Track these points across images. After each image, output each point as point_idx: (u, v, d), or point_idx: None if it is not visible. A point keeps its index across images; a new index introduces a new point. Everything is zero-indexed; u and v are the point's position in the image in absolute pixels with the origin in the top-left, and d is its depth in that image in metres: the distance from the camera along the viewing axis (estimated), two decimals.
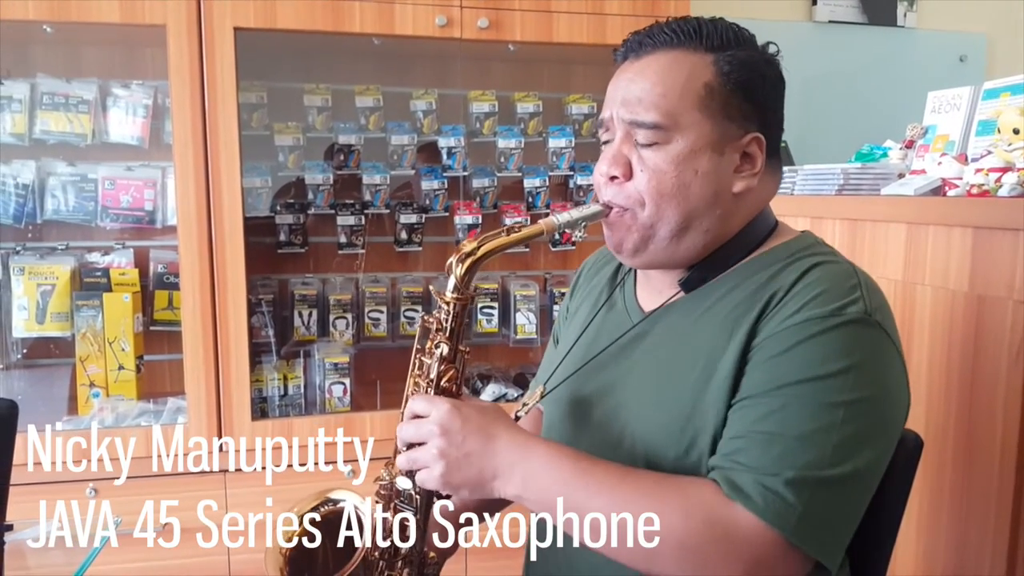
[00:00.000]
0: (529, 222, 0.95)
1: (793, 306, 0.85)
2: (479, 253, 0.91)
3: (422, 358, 0.96)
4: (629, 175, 0.92)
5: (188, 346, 1.89)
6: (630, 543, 0.81)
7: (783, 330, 0.84)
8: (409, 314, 2.28)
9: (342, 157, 2.18)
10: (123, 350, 2.00)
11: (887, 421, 0.86)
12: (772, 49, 0.95)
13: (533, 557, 1.11)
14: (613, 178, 0.93)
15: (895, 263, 1.48)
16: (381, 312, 2.26)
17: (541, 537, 1.07)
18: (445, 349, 0.94)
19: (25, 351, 2.06)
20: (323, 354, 2.13)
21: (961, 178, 1.44)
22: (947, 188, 1.46)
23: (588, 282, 1.17)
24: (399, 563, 0.99)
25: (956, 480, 1.32)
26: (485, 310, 2.31)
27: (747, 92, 0.91)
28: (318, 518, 1.03)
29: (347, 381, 2.12)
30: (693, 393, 0.88)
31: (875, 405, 0.83)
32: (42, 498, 1.81)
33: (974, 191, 1.36)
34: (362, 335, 2.25)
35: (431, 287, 0.99)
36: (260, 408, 2.06)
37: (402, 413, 0.96)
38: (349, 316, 2.22)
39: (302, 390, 2.13)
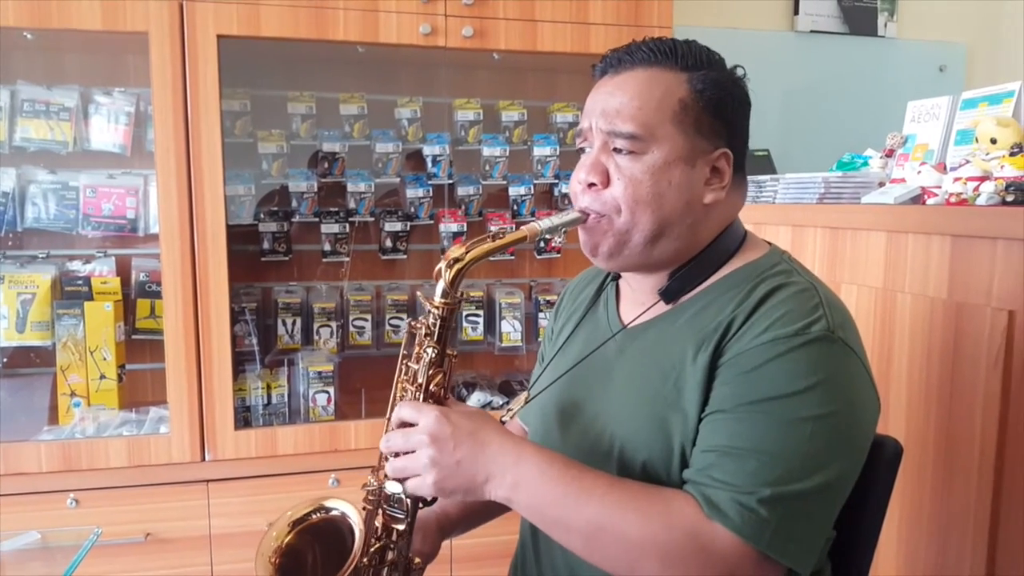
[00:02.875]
0: (514, 229, 0.97)
1: (760, 326, 0.89)
2: (467, 259, 0.94)
3: (409, 363, 0.99)
4: (606, 183, 0.97)
5: (170, 355, 1.87)
6: (614, 550, 0.85)
7: (751, 349, 0.88)
8: (394, 322, 2.28)
9: (326, 165, 2.17)
10: (105, 359, 1.99)
11: (855, 433, 0.89)
12: (739, 72, 1.01)
13: (520, 558, 1.14)
14: (591, 185, 0.98)
15: (875, 271, 1.49)
16: (366, 320, 2.25)
17: (529, 540, 1.10)
18: (433, 353, 0.96)
19: (5, 360, 2.04)
20: (307, 363, 2.12)
21: (940, 187, 1.45)
22: (926, 197, 1.48)
23: (572, 302, 1.21)
24: (385, 569, 1.00)
25: (936, 484, 1.33)
26: (470, 318, 2.31)
27: (717, 110, 0.97)
28: (308, 524, 1.03)
29: (331, 390, 2.11)
30: (666, 403, 0.93)
31: (842, 419, 0.86)
32: (23, 509, 1.81)
33: (953, 200, 1.38)
34: (346, 343, 2.24)
35: (419, 293, 1.01)
36: (243, 417, 2.05)
37: (388, 419, 0.98)
38: (333, 324, 2.21)
39: (286, 399, 2.12)
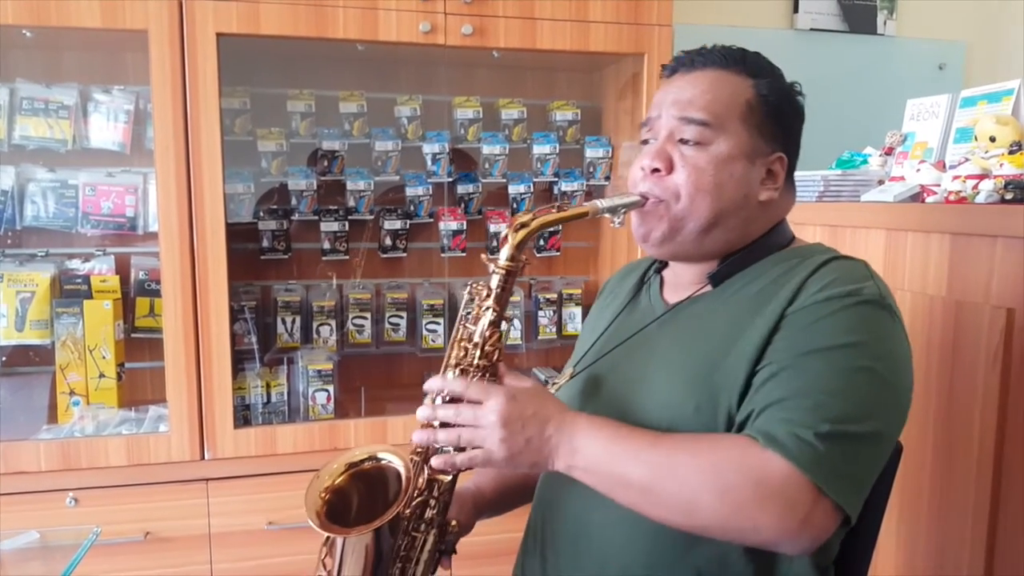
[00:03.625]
0: (511, 236, 1.00)
1: (815, 287, 0.93)
2: (533, 225, 0.99)
3: (467, 324, 1.04)
4: (670, 169, 1.01)
5: (170, 353, 1.87)
6: (672, 495, 0.87)
7: (807, 306, 0.92)
8: (393, 320, 2.28)
9: (326, 163, 2.17)
10: (104, 358, 1.99)
11: (900, 394, 0.93)
12: (797, 87, 1.08)
13: (525, 553, 1.15)
14: (655, 171, 1.02)
15: (875, 268, 1.49)
16: (365, 318, 2.25)
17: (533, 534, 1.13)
18: (492, 315, 1.01)
19: (4, 359, 2.04)
20: (306, 361, 2.12)
21: (939, 185, 1.45)
22: (925, 195, 1.48)
23: (613, 290, 1.25)
24: (423, 526, 1.04)
25: (935, 483, 1.33)
26: None
27: (778, 116, 1.03)
28: (360, 470, 1.06)
29: (331, 388, 2.11)
30: (713, 355, 0.96)
31: (893, 375, 0.91)
32: (22, 508, 1.81)
33: (952, 198, 1.38)
34: (346, 342, 2.24)
35: (483, 256, 1.04)
36: (243, 416, 2.05)
37: (443, 374, 1.02)
38: (333, 323, 2.21)
39: (285, 397, 2.12)
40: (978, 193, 1.32)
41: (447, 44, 1.98)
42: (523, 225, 0.99)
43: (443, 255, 2.27)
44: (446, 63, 2.22)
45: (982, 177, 1.34)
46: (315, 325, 2.20)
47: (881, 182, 1.67)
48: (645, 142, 1.07)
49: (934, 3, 2.83)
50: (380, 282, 2.34)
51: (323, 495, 1.01)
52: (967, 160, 1.41)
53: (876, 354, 0.89)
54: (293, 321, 2.19)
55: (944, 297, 1.32)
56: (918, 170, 1.53)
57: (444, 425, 0.96)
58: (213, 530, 1.95)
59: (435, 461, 0.97)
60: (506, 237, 1.00)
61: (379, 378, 2.38)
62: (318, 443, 2.00)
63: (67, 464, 1.85)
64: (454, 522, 1.08)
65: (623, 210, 1.03)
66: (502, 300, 1.01)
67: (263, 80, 2.18)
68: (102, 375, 1.99)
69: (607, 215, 1.03)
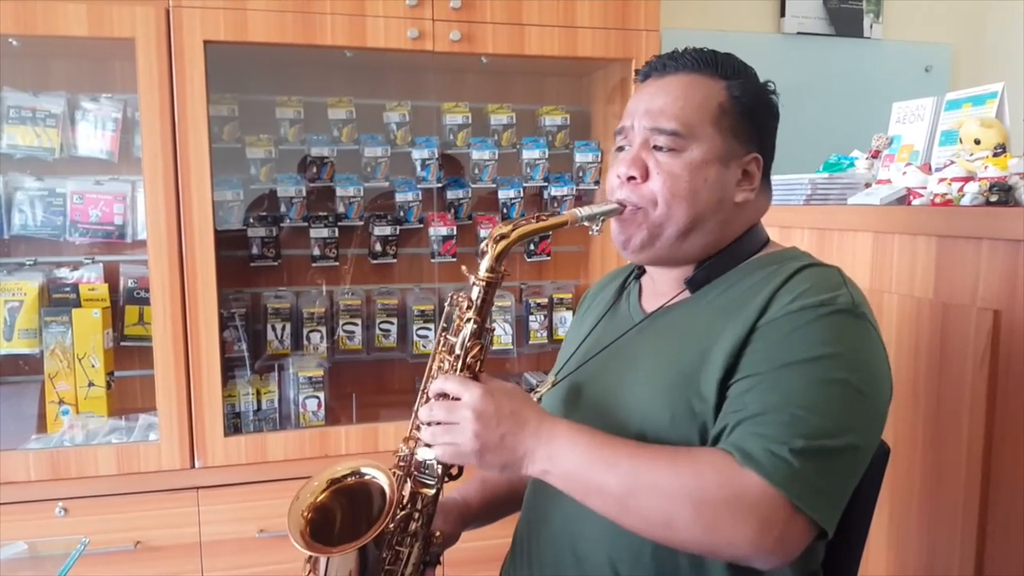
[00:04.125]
0: (491, 248, 1.01)
1: (787, 297, 0.93)
2: (512, 236, 1.00)
3: (448, 336, 1.04)
4: (645, 177, 1.02)
5: (159, 362, 1.87)
6: (649, 506, 0.87)
7: (780, 317, 0.92)
8: (384, 326, 2.28)
9: (315, 169, 2.17)
10: (93, 366, 1.98)
11: (877, 405, 0.92)
12: (771, 86, 1.08)
13: (513, 555, 1.15)
14: (630, 179, 1.03)
15: (862, 271, 1.50)
16: (356, 325, 2.25)
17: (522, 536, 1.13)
18: (474, 326, 1.01)
19: None
20: (297, 368, 2.11)
21: (925, 187, 1.46)
22: (912, 197, 1.49)
23: (594, 298, 1.26)
24: (408, 539, 1.04)
25: (924, 484, 1.34)
26: None
27: (752, 117, 1.04)
28: (343, 486, 1.07)
29: (322, 395, 2.11)
30: (688, 364, 0.96)
31: (865, 387, 0.90)
32: (11, 518, 1.80)
33: (938, 200, 1.39)
34: (337, 348, 2.24)
35: (463, 267, 1.04)
36: (233, 423, 2.04)
37: (424, 388, 1.03)
38: (323, 329, 2.20)
39: (276, 405, 2.11)
40: (963, 195, 1.33)
41: (435, 50, 1.99)
42: (503, 236, 1.00)
43: (433, 261, 2.27)
44: (435, 69, 2.22)
45: (967, 180, 1.35)
46: (305, 332, 2.20)
47: (868, 185, 1.68)
48: (620, 149, 1.08)
49: (920, 6, 2.85)
50: (370, 288, 2.33)
51: (306, 513, 1.01)
52: (952, 163, 1.42)
53: (851, 365, 0.89)
54: (283, 328, 2.19)
55: (931, 299, 1.33)
56: (904, 173, 1.54)
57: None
58: (204, 538, 1.94)
59: (421, 452, 0.99)
60: (486, 248, 1.00)
61: (370, 384, 2.37)
62: (309, 450, 1.99)
63: (56, 473, 1.84)
64: (438, 533, 1.08)
65: (602, 218, 1.04)
66: (483, 311, 1.02)
67: (251, 87, 2.18)
68: (91, 384, 1.98)
69: (586, 223, 1.04)
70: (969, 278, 1.24)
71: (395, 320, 2.28)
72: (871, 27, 2.80)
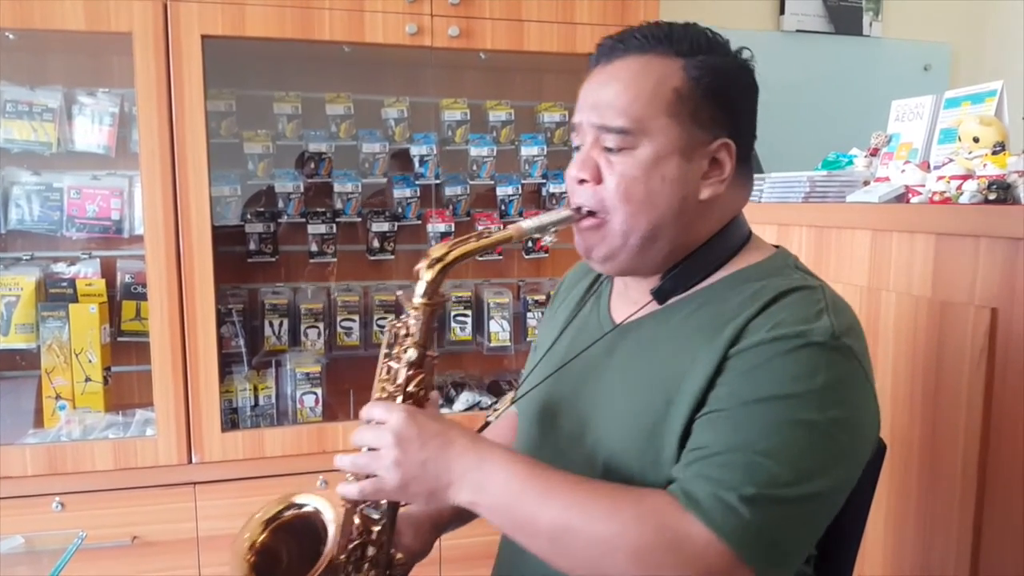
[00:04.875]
0: (426, 273, 0.93)
1: (761, 328, 0.85)
2: (448, 258, 0.92)
3: (390, 363, 0.96)
4: (598, 179, 0.93)
5: (156, 357, 1.86)
6: (581, 549, 0.80)
7: (751, 348, 0.84)
8: (382, 323, 2.27)
9: (313, 165, 2.17)
10: (90, 361, 1.97)
11: (853, 444, 0.84)
12: (746, 55, 0.96)
13: (502, 557, 1.11)
14: (582, 181, 0.94)
15: (860, 269, 1.50)
16: (353, 321, 2.25)
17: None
18: (413, 354, 0.94)
19: None
20: (294, 364, 2.11)
21: (924, 185, 1.46)
22: (910, 195, 1.49)
23: (568, 292, 1.19)
24: (365, 565, 0.97)
25: (921, 482, 1.34)
26: (459, 318, 2.31)
27: (717, 98, 0.92)
28: (282, 522, 1.01)
29: (319, 391, 2.10)
30: (656, 410, 0.89)
31: (841, 427, 0.82)
32: (7, 513, 1.80)
33: (936, 198, 1.39)
34: (334, 344, 2.23)
35: (399, 293, 1.00)
36: (230, 419, 2.04)
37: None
38: (320, 325, 2.20)
39: (273, 400, 2.11)
40: (962, 193, 1.33)
41: (434, 46, 1.98)
42: (438, 260, 0.91)
43: None
44: (433, 65, 2.22)
45: (966, 178, 1.35)
46: (303, 327, 2.19)
47: (866, 183, 1.67)
48: (577, 147, 0.99)
49: (919, 5, 2.85)
50: (368, 284, 2.33)
51: (248, 558, 0.95)
52: (951, 161, 1.42)
53: (822, 404, 0.81)
54: (280, 324, 2.18)
55: (929, 297, 1.32)
56: (903, 171, 1.53)
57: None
58: (201, 534, 1.94)
59: (339, 489, 0.91)
60: (419, 273, 0.92)
61: (367, 380, 2.33)
62: (306, 446, 1.99)
63: (53, 468, 1.84)
64: (400, 555, 1.02)
65: (553, 228, 0.97)
66: (424, 338, 0.94)
67: (249, 82, 2.17)
68: (88, 379, 1.98)
69: (536, 236, 0.98)
70: (967, 276, 1.24)
71: (392, 316, 2.28)
72: (870, 25, 2.80)
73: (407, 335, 0.95)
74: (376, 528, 0.96)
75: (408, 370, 0.94)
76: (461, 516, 1.13)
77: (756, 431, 0.80)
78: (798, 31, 2.73)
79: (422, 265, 0.92)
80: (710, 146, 0.92)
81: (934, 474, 1.31)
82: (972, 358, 1.22)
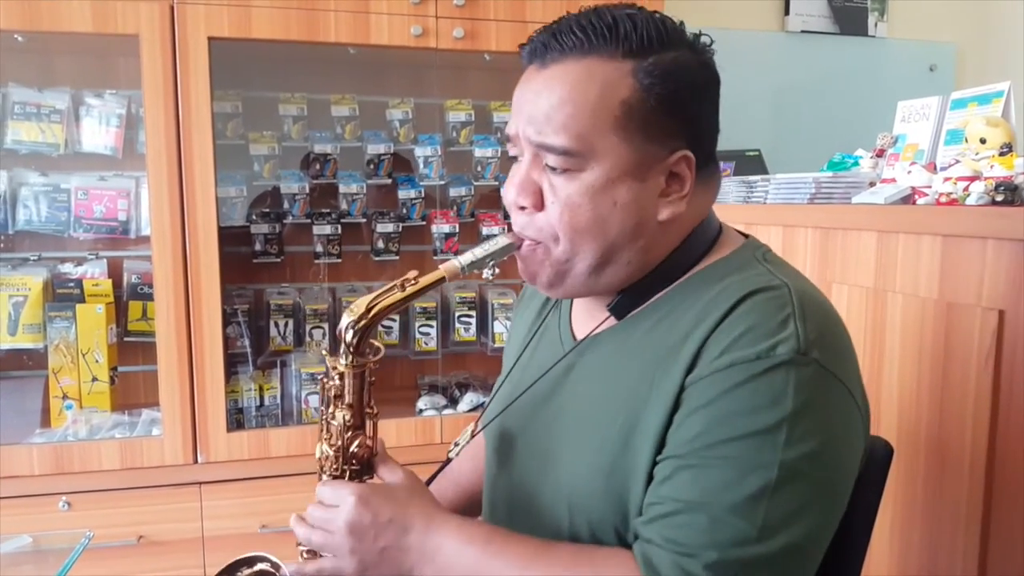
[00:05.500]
0: (505, 231, 0.87)
1: (717, 348, 0.75)
2: (371, 315, 0.84)
3: (328, 422, 0.90)
4: (540, 205, 0.83)
5: (163, 357, 1.87)
6: None
7: (706, 377, 0.75)
8: (386, 323, 2.28)
9: (318, 166, 2.17)
10: (97, 361, 1.98)
11: (832, 477, 0.76)
12: (704, 41, 0.84)
13: None
14: (522, 208, 0.85)
15: (866, 271, 1.49)
16: None
17: None
18: (347, 416, 0.88)
19: None
20: (299, 364, 2.12)
21: (930, 187, 1.46)
22: (917, 197, 1.48)
23: (528, 304, 1.11)
24: None
25: (928, 485, 1.34)
26: (463, 319, 2.31)
27: (673, 106, 0.80)
28: None
29: None
30: (614, 448, 0.81)
31: (815, 461, 0.73)
32: (14, 512, 1.80)
33: (943, 200, 1.38)
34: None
35: (323, 351, 0.93)
36: (236, 419, 2.05)
37: (319, 474, 0.92)
38: (326, 326, 2.21)
39: (278, 401, 2.12)
40: (969, 195, 1.33)
41: (439, 47, 1.99)
42: (358, 321, 0.83)
43: (436, 258, 2.27)
44: (438, 66, 2.22)
45: (973, 179, 1.35)
46: (308, 328, 2.20)
47: (872, 184, 1.67)
48: (514, 157, 0.87)
49: (925, 5, 2.85)
50: (372, 285, 2.33)
51: None
52: (957, 162, 1.42)
53: (790, 438, 0.71)
54: (286, 324, 2.19)
55: (935, 299, 1.32)
56: (909, 172, 1.53)
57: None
58: (206, 533, 1.95)
59: (287, 569, 0.88)
60: (340, 334, 0.85)
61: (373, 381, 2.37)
62: (311, 446, 1.96)
63: (60, 468, 1.85)
64: None
65: (492, 261, 0.88)
66: (360, 398, 0.88)
67: (255, 84, 2.18)
68: (95, 379, 1.99)
69: (474, 271, 0.88)
70: (974, 278, 1.24)
71: (397, 317, 2.29)
72: (876, 26, 2.80)
73: (336, 396, 0.89)
74: None
75: (346, 433, 0.88)
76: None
77: (718, 481, 0.72)
78: (803, 32, 2.73)
79: (342, 326, 0.85)
80: (667, 160, 0.81)
81: (941, 477, 1.31)
82: (979, 360, 1.22)
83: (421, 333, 2.28)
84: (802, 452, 0.72)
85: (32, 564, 1.37)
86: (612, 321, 0.89)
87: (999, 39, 2.85)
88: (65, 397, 1.98)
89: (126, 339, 2.08)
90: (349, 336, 0.84)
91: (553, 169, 0.81)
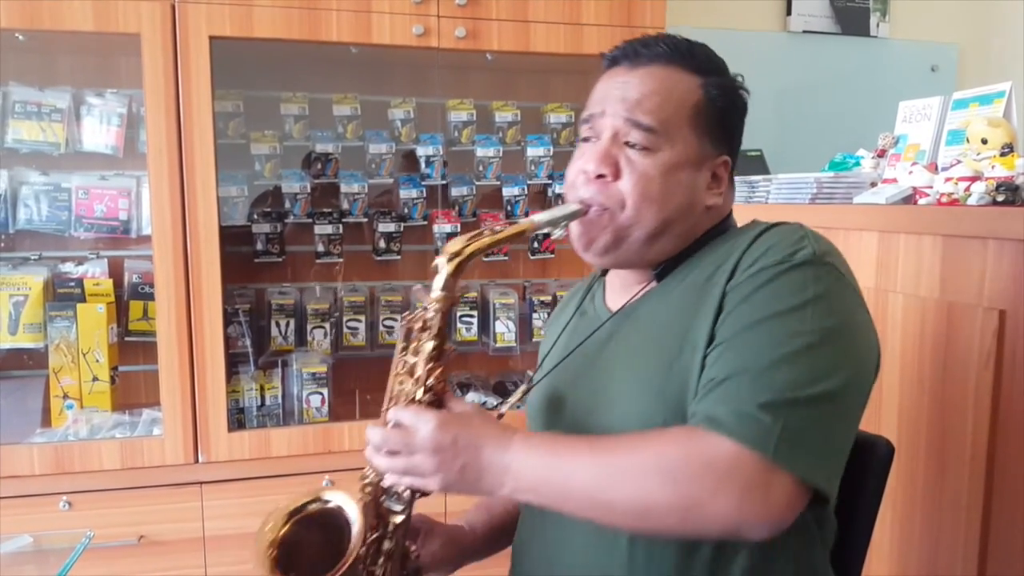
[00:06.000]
0: (443, 267, 0.95)
1: (748, 261, 0.90)
2: (466, 252, 0.94)
3: (406, 358, 0.97)
4: (617, 175, 0.96)
5: (163, 357, 1.87)
6: (620, 501, 0.82)
7: (741, 282, 0.89)
8: (388, 323, 2.28)
9: (319, 166, 2.17)
10: (97, 361, 1.98)
11: (856, 347, 0.88)
12: (740, 79, 1.03)
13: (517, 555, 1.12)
14: (599, 176, 0.96)
15: (867, 271, 1.49)
16: (360, 321, 2.25)
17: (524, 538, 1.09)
18: (432, 346, 0.95)
19: None
20: (301, 364, 2.12)
21: (931, 187, 1.46)
22: (918, 197, 1.48)
23: (563, 309, 1.21)
24: (381, 559, 1.00)
25: (928, 484, 1.34)
26: (464, 318, 2.31)
27: (725, 117, 1.00)
28: (304, 515, 1.02)
29: (325, 391, 2.11)
30: (667, 358, 0.91)
31: (839, 333, 0.85)
32: (15, 512, 1.80)
33: (944, 200, 1.39)
34: (340, 344, 2.24)
35: (414, 289, 1.00)
36: (237, 419, 2.05)
37: (384, 413, 0.97)
38: (327, 325, 2.21)
39: (280, 400, 2.11)
40: (970, 195, 1.33)
41: (440, 47, 1.99)
42: (455, 254, 0.93)
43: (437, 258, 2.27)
44: (440, 66, 2.22)
45: (974, 179, 1.35)
46: (309, 328, 2.20)
47: (874, 184, 1.67)
48: (586, 139, 1.01)
49: (927, 5, 2.85)
50: (374, 284, 2.33)
51: (270, 551, 0.97)
52: (959, 162, 1.42)
53: (816, 314, 0.84)
54: (287, 324, 2.19)
55: (937, 299, 1.32)
56: (910, 172, 1.53)
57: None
58: (207, 533, 1.95)
59: (385, 481, 0.95)
60: (437, 268, 0.94)
61: (374, 380, 2.37)
62: (312, 446, 1.99)
63: (61, 468, 1.85)
64: (413, 546, 1.05)
65: (564, 222, 0.98)
66: (441, 333, 0.95)
67: (256, 83, 2.18)
68: (96, 379, 1.99)
69: (547, 229, 0.98)
70: (975, 278, 1.24)
71: (399, 316, 2.28)
72: (878, 26, 2.80)
73: (424, 329, 0.96)
74: (395, 521, 0.99)
75: (428, 363, 0.95)
76: (494, 542, 1.18)
77: (761, 348, 0.84)
78: (805, 32, 2.73)
79: (440, 259, 0.94)
80: (715, 160, 1.00)
81: (941, 476, 1.30)
82: (980, 360, 1.22)
83: None
84: (826, 326, 0.84)
85: (33, 564, 1.37)
86: (648, 289, 1.02)
87: (1001, 40, 2.85)
88: (66, 397, 1.98)
89: (127, 339, 2.08)
90: (447, 268, 0.93)
91: (632, 146, 0.96)
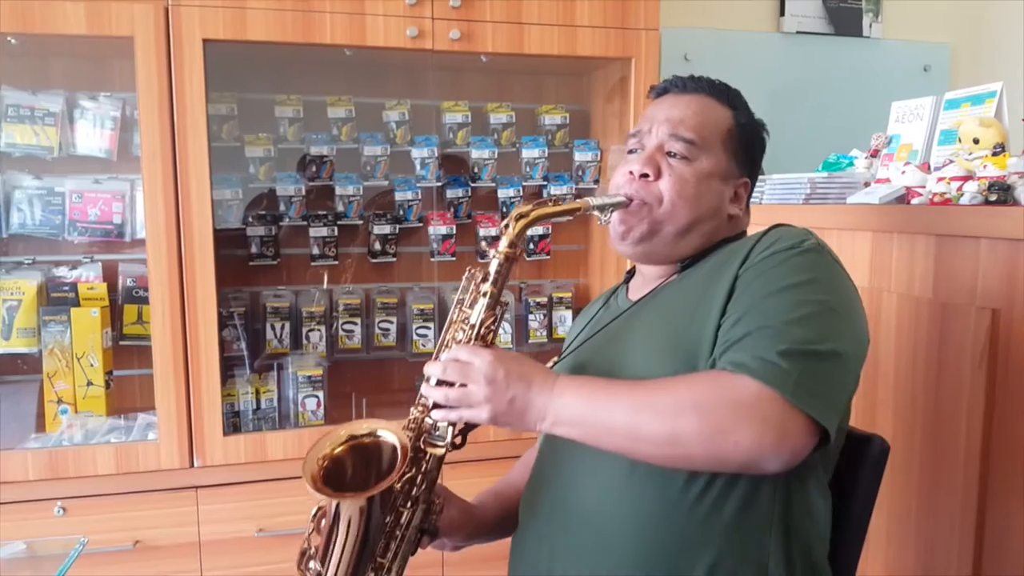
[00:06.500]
0: (512, 225, 1.07)
1: (760, 248, 1.03)
2: (531, 216, 1.06)
3: (463, 308, 1.09)
4: (658, 176, 1.12)
5: (158, 361, 1.86)
6: (654, 432, 0.92)
7: (757, 262, 1.01)
8: (384, 325, 2.28)
9: (314, 168, 2.17)
10: (92, 366, 1.98)
11: (853, 321, 0.99)
12: (762, 123, 1.20)
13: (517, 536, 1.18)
14: (644, 176, 1.12)
15: (861, 270, 1.50)
16: (355, 324, 2.25)
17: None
18: (489, 299, 1.06)
19: None
20: (296, 367, 2.11)
21: (924, 187, 1.46)
22: (911, 197, 1.49)
23: (590, 307, 1.33)
24: (410, 503, 1.08)
25: (923, 483, 1.34)
26: None
27: (748, 146, 1.17)
28: (359, 442, 1.09)
29: (321, 394, 2.10)
30: (683, 322, 1.02)
31: (841, 308, 0.98)
32: (9, 518, 1.80)
33: (937, 199, 1.39)
34: (336, 347, 2.24)
35: (483, 243, 1.07)
36: (232, 423, 2.04)
37: (435, 355, 1.08)
38: (322, 328, 2.20)
39: (275, 404, 2.11)
40: (962, 195, 1.33)
41: (435, 49, 1.99)
42: (523, 215, 1.06)
43: (433, 259, 2.27)
44: (434, 68, 2.22)
45: (966, 179, 1.35)
46: (305, 331, 2.19)
47: (867, 184, 1.68)
48: (632, 151, 1.17)
49: (919, 6, 2.86)
50: (370, 287, 2.33)
51: (322, 461, 1.05)
52: (951, 162, 1.42)
53: (825, 289, 0.97)
54: (282, 327, 2.18)
55: (930, 298, 1.33)
56: (903, 172, 1.54)
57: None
58: (203, 538, 1.94)
59: (434, 414, 1.03)
60: (506, 226, 1.06)
61: (370, 383, 2.37)
62: (308, 449, 1.99)
63: (55, 473, 1.84)
64: (437, 499, 1.12)
65: (610, 209, 1.12)
66: (499, 284, 1.07)
67: (250, 85, 2.18)
68: (90, 383, 1.98)
69: (596, 212, 1.11)
70: (968, 277, 1.24)
71: (394, 319, 2.28)
72: (870, 26, 2.81)
73: (484, 279, 1.07)
74: (430, 462, 1.07)
75: (482, 312, 1.06)
76: (499, 525, 1.25)
77: (778, 310, 0.95)
78: (798, 32, 2.73)
79: (510, 219, 1.06)
80: (738, 180, 1.16)
81: (936, 474, 1.31)
82: (973, 359, 1.22)
83: (418, 335, 2.27)
84: (831, 299, 0.97)
85: (27, 570, 1.37)
86: (669, 281, 1.14)
87: (993, 40, 2.86)
88: (60, 401, 1.98)
89: (121, 343, 2.07)
90: (515, 225, 1.06)
91: (673, 155, 1.12)
